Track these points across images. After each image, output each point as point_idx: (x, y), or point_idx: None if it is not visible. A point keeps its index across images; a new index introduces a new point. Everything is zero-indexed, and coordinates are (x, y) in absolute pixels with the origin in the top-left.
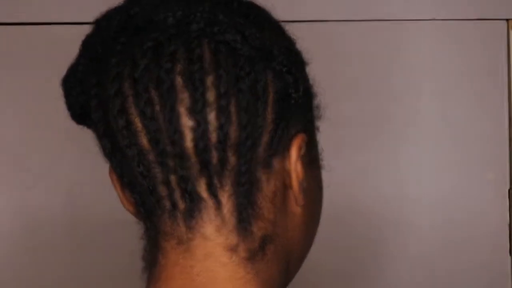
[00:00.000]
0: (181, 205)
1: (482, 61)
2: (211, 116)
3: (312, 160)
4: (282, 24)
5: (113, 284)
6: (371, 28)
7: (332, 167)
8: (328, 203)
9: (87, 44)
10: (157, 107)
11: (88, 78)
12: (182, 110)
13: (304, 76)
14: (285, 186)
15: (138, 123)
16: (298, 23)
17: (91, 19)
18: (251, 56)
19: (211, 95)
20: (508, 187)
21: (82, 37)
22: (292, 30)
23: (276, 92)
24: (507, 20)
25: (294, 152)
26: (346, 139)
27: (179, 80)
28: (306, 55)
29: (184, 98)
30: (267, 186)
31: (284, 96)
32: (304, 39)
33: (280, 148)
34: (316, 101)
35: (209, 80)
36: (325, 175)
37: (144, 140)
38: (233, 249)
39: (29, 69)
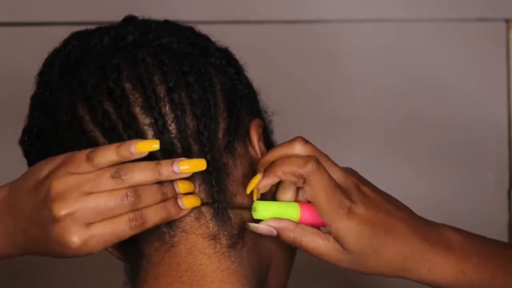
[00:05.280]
0: None
1: (482, 61)
2: (166, 109)
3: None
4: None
5: (110, 283)
6: (371, 28)
7: None
8: None
9: (36, 98)
10: (113, 116)
11: (44, 126)
12: (138, 110)
13: (243, 72)
14: (255, 172)
15: (100, 139)
16: (298, 23)
17: (90, 19)
18: (190, 53)
19: (161, 90)
20: (508, 187)
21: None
22: (292, 30)
23: (222, 84)
24: (507, 20)
25: (254, 134)
26: (344, 138)
27: (128, 86)
28: (306, 55)
29: (136, 99)
30: (235, 170)
31: (230, 87)
32: (304, 39)
33: (239, 133)
34: (262, 105)
35: (156, 78)
36: None
37: None
38: (214, 238)
39: (29, 69)
